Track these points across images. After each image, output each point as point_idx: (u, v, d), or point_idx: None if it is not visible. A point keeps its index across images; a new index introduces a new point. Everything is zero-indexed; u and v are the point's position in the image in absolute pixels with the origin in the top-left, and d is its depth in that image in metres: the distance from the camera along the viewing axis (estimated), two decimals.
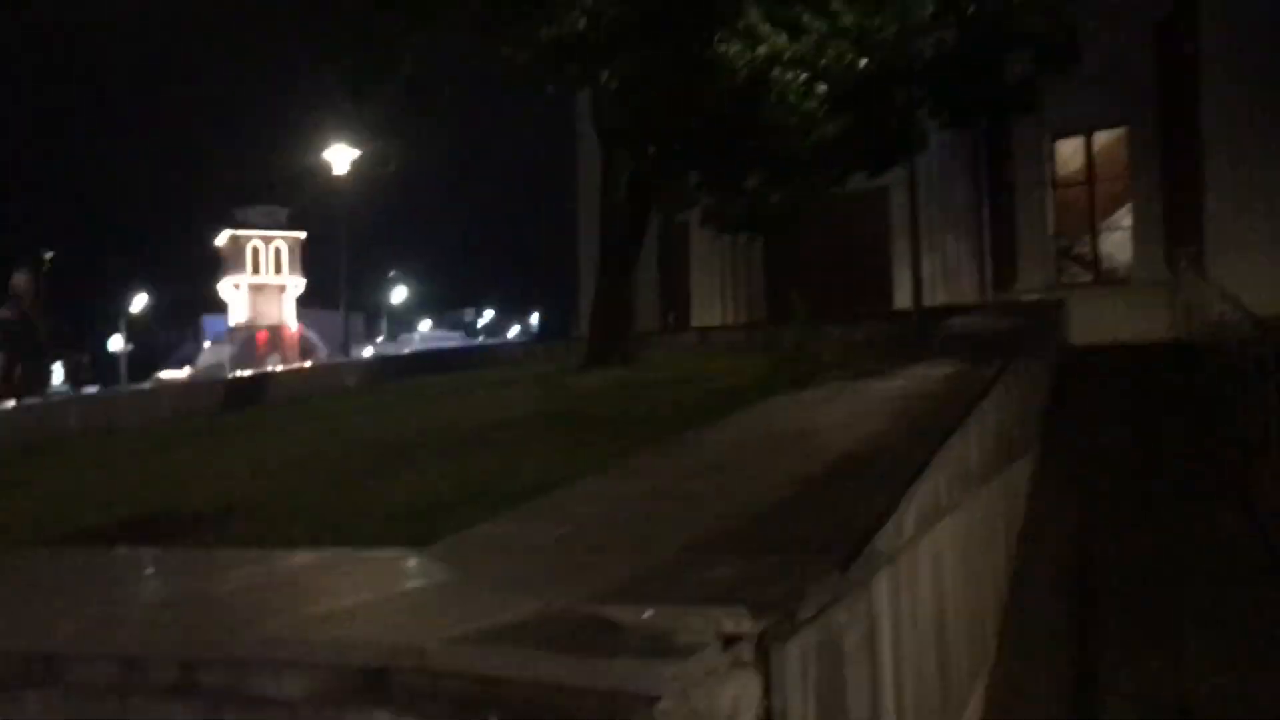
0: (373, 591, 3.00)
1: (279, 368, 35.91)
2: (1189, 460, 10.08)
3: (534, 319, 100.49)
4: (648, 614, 2.37)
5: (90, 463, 11.24)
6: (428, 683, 2.16)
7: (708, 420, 6.59)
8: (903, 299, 24.40)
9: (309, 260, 72.55)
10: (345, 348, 33.63)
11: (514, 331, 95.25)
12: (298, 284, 72.22)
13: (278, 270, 71.64)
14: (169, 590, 3.20)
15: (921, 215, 21.58)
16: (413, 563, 3.43)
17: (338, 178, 30.82)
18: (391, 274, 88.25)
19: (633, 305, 17.04)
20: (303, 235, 72.15)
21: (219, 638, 2.49)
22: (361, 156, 28.71)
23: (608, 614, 2.40)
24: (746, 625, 2.34)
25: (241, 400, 18.94)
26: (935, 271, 24.83)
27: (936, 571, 4.63)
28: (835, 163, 15.24)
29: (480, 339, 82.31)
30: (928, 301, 21.02)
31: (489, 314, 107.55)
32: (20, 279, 16.63)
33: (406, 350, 50.47)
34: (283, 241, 71.98)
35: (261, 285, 70.94)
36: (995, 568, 6.76)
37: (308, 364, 39.90)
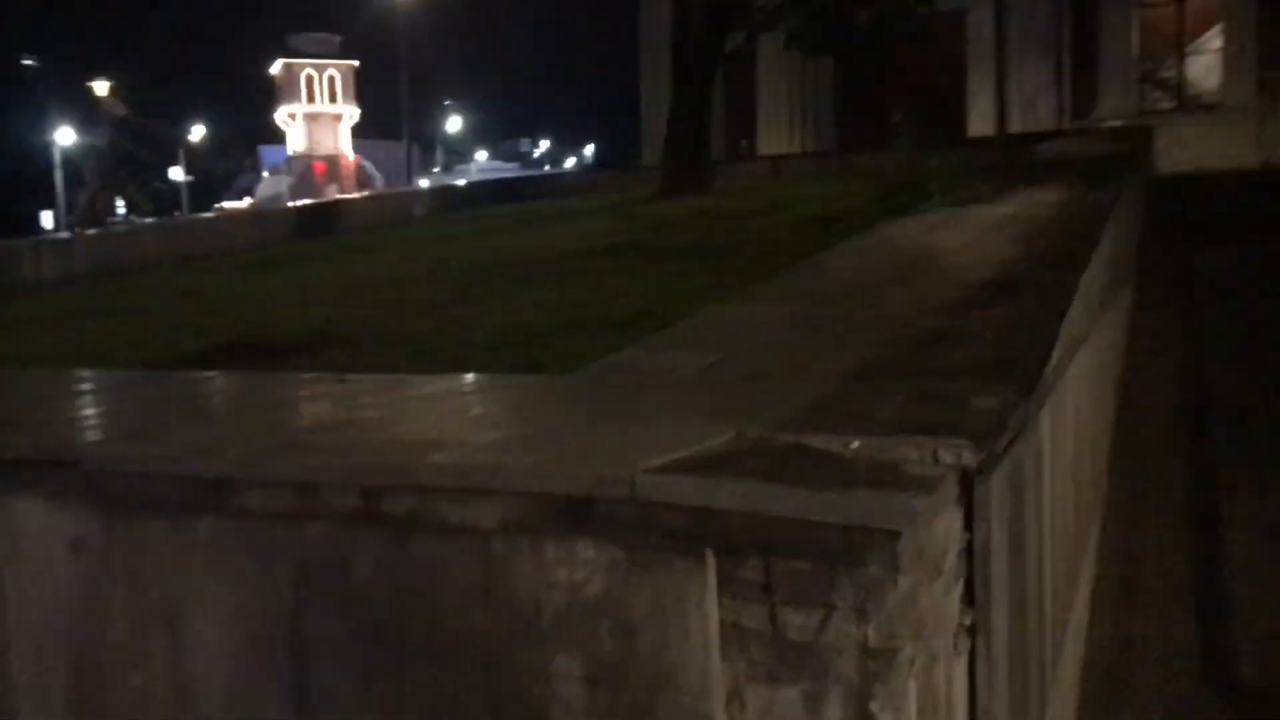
0: (538, 420, 2.90)
1: (345, 196, 35.84)
2: None
3: (589, 150, 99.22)
4: (855, 444, 2.25)
5: (175, 289, 11.28)
6: (637, 513, 2.05)
7: (816, 248, 6.39)
8: (977, 127, 23.74)
9: (362, 90, 71.59)
10: (408, 176, 33.42)
11: (570, 163, 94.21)
12: (352, 113, 71.46)
13: (332, 99, 70.76)
14: (319, 415, 3.12)
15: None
16: (562, 391, 3.32)
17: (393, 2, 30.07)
18: (446, 103, 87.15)
19: (708, 132, 16.62)
20: (356, 63, 71.04)
21: (397, 464, 2.39)
22: None
23: (811, 444, 2.27)
24: (968, 456, 2.21)
25: (312, 229, 18.93)
26: (1011, 97, 24.01)
27: (1076, 401, 4.49)
28: None
29: (545, 169, 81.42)
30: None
31: (545, 144, 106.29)
32: (112, 102, 16.41)
33: (462, 181, 50.11)
34: (336, 69, 70.92)
35: (317, 114, 70.18)
36: (1108, 397, 6.60)
37: (368, 193, 39.78)
